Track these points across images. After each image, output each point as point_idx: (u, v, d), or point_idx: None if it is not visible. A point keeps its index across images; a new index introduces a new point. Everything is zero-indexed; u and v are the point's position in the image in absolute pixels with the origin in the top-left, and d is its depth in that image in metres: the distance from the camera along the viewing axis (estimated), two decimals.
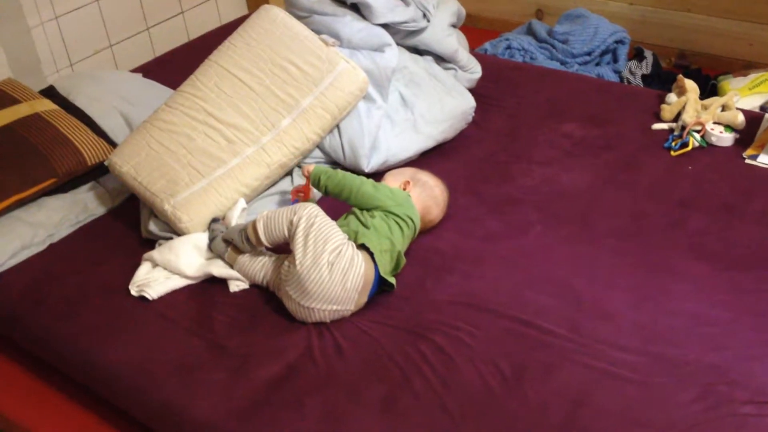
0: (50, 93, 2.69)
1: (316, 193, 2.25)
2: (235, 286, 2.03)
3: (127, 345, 1.90)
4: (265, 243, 1.96)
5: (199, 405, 1.73)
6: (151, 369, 1.83)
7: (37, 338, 2.04)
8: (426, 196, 2.14)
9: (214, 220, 2.15)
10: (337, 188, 2.07)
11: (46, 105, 2.52)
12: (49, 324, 2.00)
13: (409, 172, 2.21)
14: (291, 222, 1.88)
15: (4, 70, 2.91)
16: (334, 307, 1.86)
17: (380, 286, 1.93)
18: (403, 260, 2.00)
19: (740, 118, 2.49)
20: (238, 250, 2.03)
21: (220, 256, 2.07)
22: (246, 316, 1.95)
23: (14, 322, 2.08)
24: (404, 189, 2.12)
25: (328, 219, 1.89)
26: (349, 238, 1.91)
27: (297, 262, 1.83)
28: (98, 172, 2.44)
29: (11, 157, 2.30)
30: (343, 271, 1.82)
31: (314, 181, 2.12)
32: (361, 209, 2.03)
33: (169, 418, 1.77)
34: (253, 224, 1.97)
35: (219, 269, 2.04)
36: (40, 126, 2.41)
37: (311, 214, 1.87)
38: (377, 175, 2.27)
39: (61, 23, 3.10)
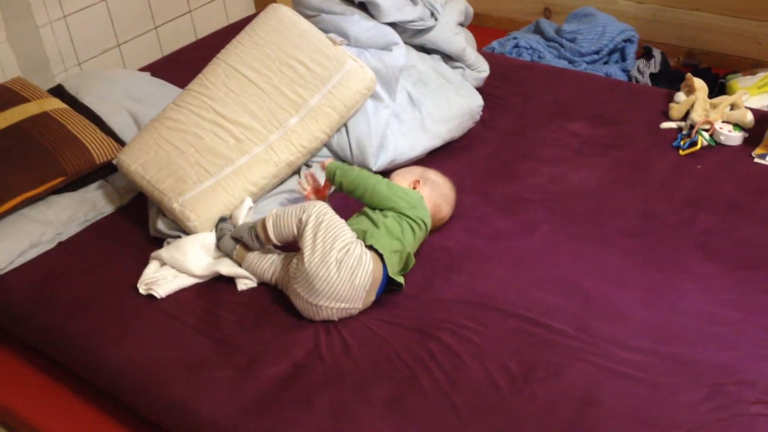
0: (59, 92, 2.70)
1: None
2: (243, 285, 2.03)
3: (135, 343, 1.91)
4: (275, 241, 1.96)
5: (207, 403, 1.74)
6: (160, 367, 1.84)
7: (45, 336, 2.04)
8: (436, 194, 2.13)
9: (222, 219, 2.15)
10: (352, 185, 2.07)
11: (55, 104, 2.53)
12: (58, 322, 2.01)
13: (417, 171, 2.20)
14: (300, 220, 1.88)
15: (12, 69, 2.92)
16: (342, 305, 1.86)
17: (389, 285, 1.93)
18: (413, 261, 1.99)
19: (749, 116, 2.49)
20: (247, 249, 2.04)
21: (228, 255, 2.07)
22: (254, 314, 1.95)
23: (23, 320, 2.09)
24: (414, 188, 2.11)
25: (337, 217, 1.89)
26: (358, 237, 1.91)
27: (305, 259, 1.83)
28: (107, 170, 2.45)
29: (20, 156, 2.31)
30: (352, 269, 1.82)
31: (329, 176, 2.12)
32: (374, 209, 2.02)
33: (178, 416, 1.77)
34: (263, 222, 1.97)
35: (227, 268, 2.04)
36: (49, 125, 2.42)
37: (320, 212, 1.87)
38: (385, 174, 2.27)
39: (70, 22, 3.10)
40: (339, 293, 1.83)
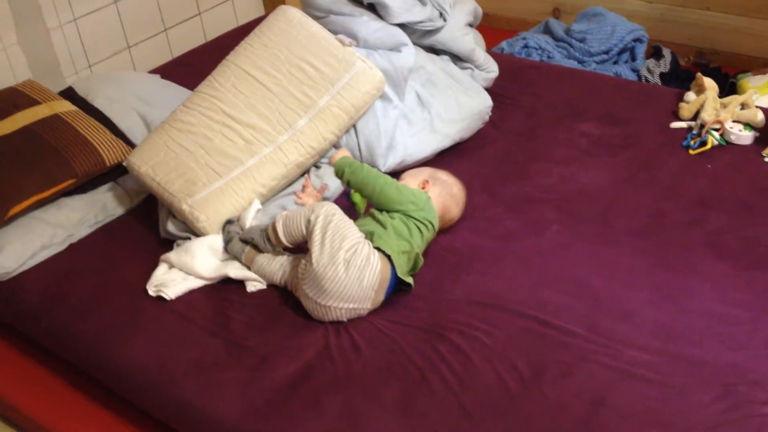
0: (69, 94, 2.71)
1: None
2: (252, 286, 2.04)
3: (145, 344, 1.91)
4: (285, 242, 1.97)
5: (217, 404, 1.74)
6: (170, 368, 1.84)
7: (56, 337, 2.05)
8: (446, 194, 2.13)
9: (229, 222, 2.15)
10: (360, 184, 2.06)
11: (65, 106, 2.54)
12: (69, 323, 2.02)
13: (427, 171, 2.20)
14: (309, 220, 1.89)
15: (23, 72, 2.94)
16: (351, 306, 1.87)
17: (398, 285, 1.93)
18: (421, 261, 1.99)
19: (760, 116, 2.48)
20: (256, 251, 2.04)
21: (237, 258, 2.07)
22: (263, 315, 1.96)
23: (34, 321, 2.10)
24: (423, 188, 2.11)
25: (345, 218, 1.89)
26: (366, 238, 1.91)
27: (314, 260, 1.83)
28: (117, 172, 2.45)
29: (31, 158, 2.32)
30: (360, 269, 1.83)
31: (338, 172, 2.11)
32: (381, 210, 2.02)
33: (188, 417, 1.78)
34: (273, 224, 1.98)
35: (235, 271, 2.04)
36: (60, 127, 2.43)
37: (329, 212, 1.87)
38: (394, 175, 2.27)
39: (80, 25, 3.12)
40: (347, 293, 1.83)
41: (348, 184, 2.09)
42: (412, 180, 2.16)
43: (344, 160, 2.11)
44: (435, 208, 2.07)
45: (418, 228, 1.98)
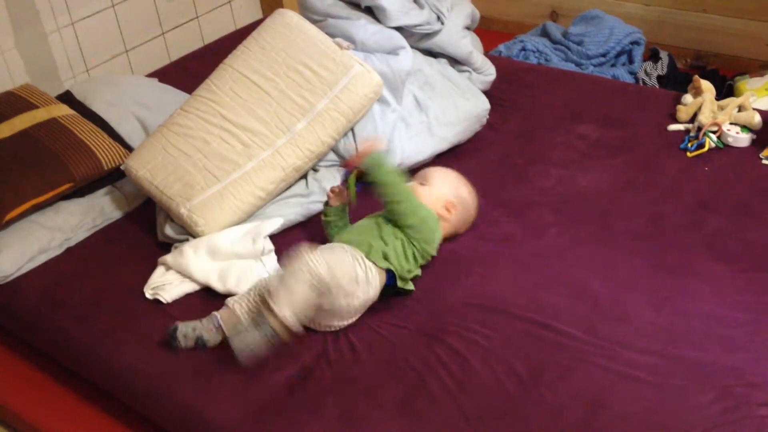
0: (67, 98, 2.71)
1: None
2: None
3: (143, 347, 1.91)
4: (300, 327, 1.78)
5: (215, 408, 1.74)
6: (167, 372, 1.84)
7: (54, 341, 2.05)
8: (461, 221, 2.12)
9: (173, 330, 1.86)
10: (383, 195, 1.96)
11: (63, 110, 2.54)
12: (67, 327, 2.02)
13: (454, 185, 2.11)
14: (311, 284, 1.76)
15: (21, 76, 2.94)
16: (354, 319, 1.90)
17: (395, 288, 1.93)
18: (419, 273, 1.99)
19: (757, 118, 2.48)
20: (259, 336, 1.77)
21: (257, 353, 1.77)
22: None
23: (32, 326, 2.10)
24: (448, 210, 2.06)
25: (329, 253, 1.84)
26: (362, 249, 1.89)
27: (336, 306, 1.83)
28: (115, 176, 2.45)
29: (29, 162, 2.32)
30: (365, 292, 1.86)
31: (368, 168, 1.97)
32: (387, 221, 1.98)
33: (186, 420, 1.78)
34: (281, 322, 1.73)
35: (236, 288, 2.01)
36: (57, 131, 2.43)
37: (317, 261, 1.77)
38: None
39: (78, 29, 3.12)
40: (354, 313, 1.88)
41: (370, 185, 1.99)
42: (441, 188, 2.08)
43: (374, 159, 1.97)
44: (442, 233, 2.03)
45: (415, 256, 1.96)
